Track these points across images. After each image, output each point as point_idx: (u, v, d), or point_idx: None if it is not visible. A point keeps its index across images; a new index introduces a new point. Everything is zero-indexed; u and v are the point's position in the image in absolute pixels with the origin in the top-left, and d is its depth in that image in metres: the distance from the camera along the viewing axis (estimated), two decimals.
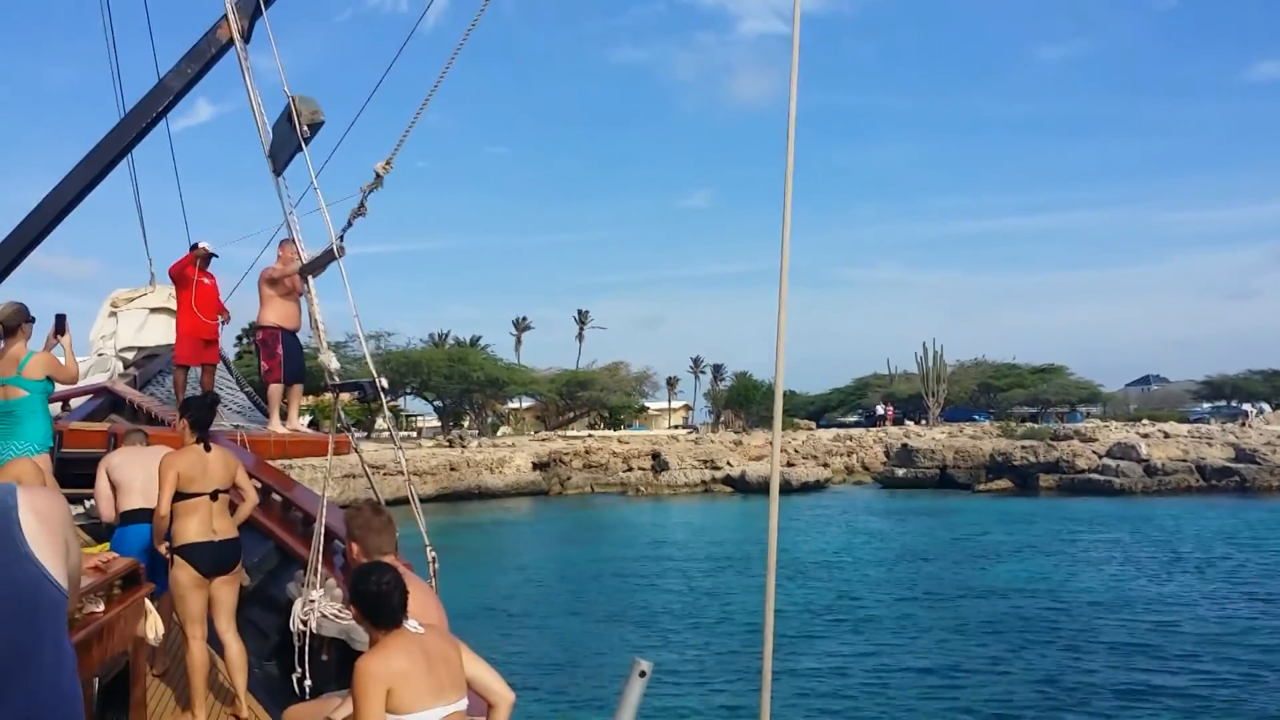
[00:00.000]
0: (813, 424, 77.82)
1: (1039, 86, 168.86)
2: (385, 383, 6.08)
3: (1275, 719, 13.20)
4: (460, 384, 66.23)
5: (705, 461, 53.26)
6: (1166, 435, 54.02)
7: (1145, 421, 62.65)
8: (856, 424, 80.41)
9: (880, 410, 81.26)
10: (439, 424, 71.23)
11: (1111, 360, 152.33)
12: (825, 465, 56.28)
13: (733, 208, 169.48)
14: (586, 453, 55.71)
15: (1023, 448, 52.43)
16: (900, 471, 54.23)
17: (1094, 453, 50.73)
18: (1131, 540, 30.17)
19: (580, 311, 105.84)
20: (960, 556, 27.76)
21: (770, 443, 54.12)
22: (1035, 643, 17.31)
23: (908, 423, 73.27)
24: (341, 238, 5.28)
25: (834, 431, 69.03)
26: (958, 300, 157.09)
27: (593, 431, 71.39)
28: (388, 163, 4.92)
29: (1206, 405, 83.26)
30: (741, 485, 49.89)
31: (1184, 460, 49.83)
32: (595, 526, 38.22)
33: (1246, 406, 76.55)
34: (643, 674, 3.90)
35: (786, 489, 46.79)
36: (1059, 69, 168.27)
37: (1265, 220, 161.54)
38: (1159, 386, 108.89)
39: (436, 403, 70.21)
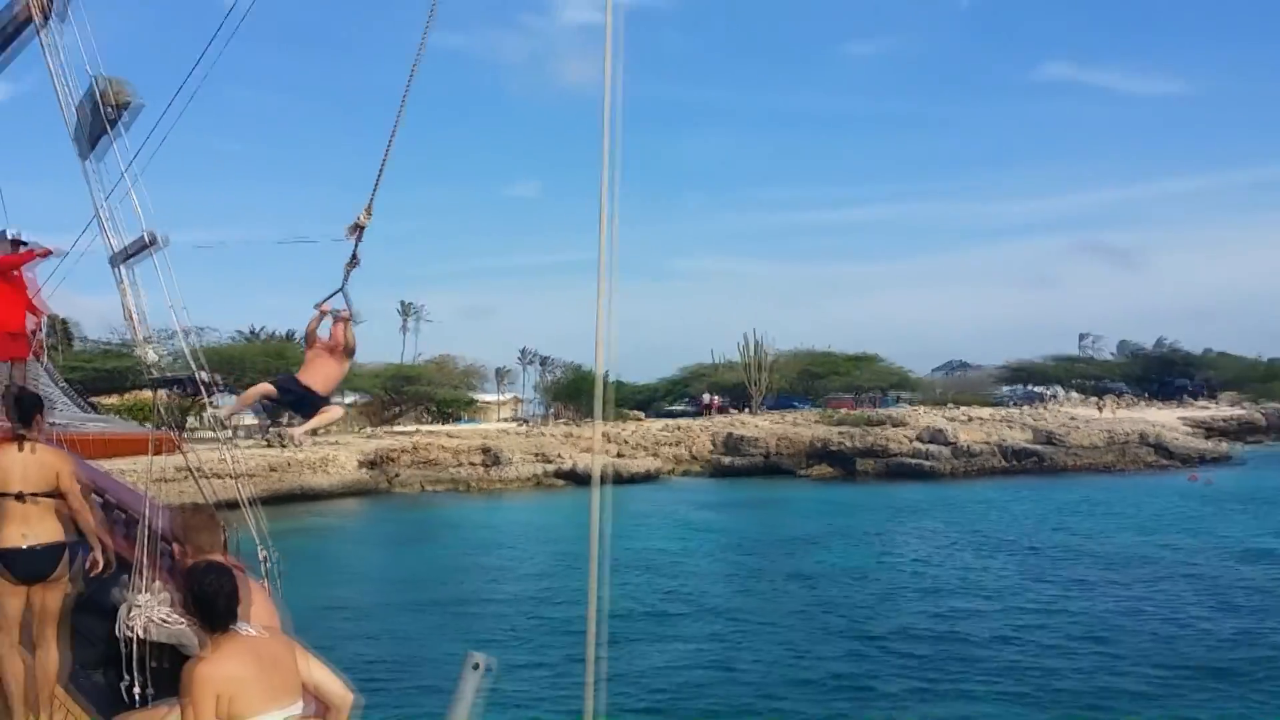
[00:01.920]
0: (641, 414, 78.74)
1: (851, 82, 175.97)
2: (206, 376, 5.85)
3: (1083, 693, 14.25)
4: None
5: (538, 455, 53.15)
6: (970, 419, 57.38)
7: (951, 405, 66.33)
8: (684, 413, 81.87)
9: (706, 399, 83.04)
10: (255, 422, 68.38)
11: (921, 347, 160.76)
12: (656, 456, 57.12)
13: (560, 196, 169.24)
14: (416, 449, 54.65)
15: (840, 433, 54.72)
16: (728, 460, 55.64)
17: (906, 436, 53.43)
18: (944, 527, 31.92)
19: (404, 303, 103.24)
20: (789, 547, 28.73)
21: (602, 435, 54.62)
22: (856, 632, 18.01)
23: (733, 411, 75.11)
24: (344, 292, 5.96)
25: (664, 422, 70.06)
26: (782, 290, 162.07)
27: (421, 427, 70.12)
28: (368, 211, 5.26)
29: (1007, 389, 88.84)
30: (575, 478, 49.93)
31: (988, 443, 53.06)
32: (428, 525, 37.56)
33: (1042, 390, 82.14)
34: (476, 666, 3.91)
35: (620, 480, 47.21)
36: (869, 65, 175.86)
37: (1063, 212, 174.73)
38: (964, 372, 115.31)
39: None
